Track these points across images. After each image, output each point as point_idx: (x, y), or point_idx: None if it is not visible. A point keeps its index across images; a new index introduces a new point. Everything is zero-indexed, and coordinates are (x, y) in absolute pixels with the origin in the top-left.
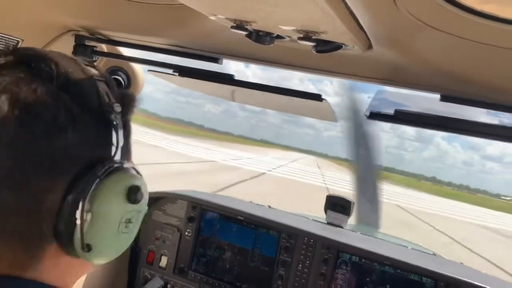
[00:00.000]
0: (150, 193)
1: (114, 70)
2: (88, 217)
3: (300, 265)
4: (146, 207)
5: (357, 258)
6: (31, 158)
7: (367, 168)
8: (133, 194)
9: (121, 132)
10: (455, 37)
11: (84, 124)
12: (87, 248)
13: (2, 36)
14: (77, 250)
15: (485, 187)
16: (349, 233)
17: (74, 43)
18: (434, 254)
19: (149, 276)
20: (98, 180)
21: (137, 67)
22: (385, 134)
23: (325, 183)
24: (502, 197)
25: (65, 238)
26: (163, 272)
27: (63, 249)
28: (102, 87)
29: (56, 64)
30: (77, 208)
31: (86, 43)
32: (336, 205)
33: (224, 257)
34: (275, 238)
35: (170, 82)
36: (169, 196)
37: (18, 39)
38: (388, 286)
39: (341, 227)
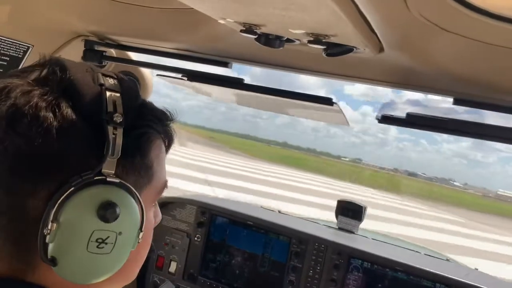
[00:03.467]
0: (159, 199)
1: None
2: (54, 228)
3: (311, 271)
4: (136, 231)
5: (369, 264)
6: (16, 159)
7: None
8: (104, 210)
9: (118, 144)
10: (469, 40)
11: (77, 132)
12: (52, 261)
13: (13, 42)
14: (47, 262)
15: (329, 150)
16: (360, 238)
17: (84, 48)
18: (447, 260)
19: (159, 282)
20: (71, 189)
21: (146, 72)
22: None
23: None
24: (342, 158)
25: (39, 247)
26: (172, 277)
27: (42, 259)
28: (111, 96)
29: (62, 69)
30: (45, 217)
31: (96, 48)
32: (347, 210)
33: (233, 262)
34: (285, 244)
35: (179, 86)
36: (178, 201)
37: (28, 45)
38: None
39: (353, 232)
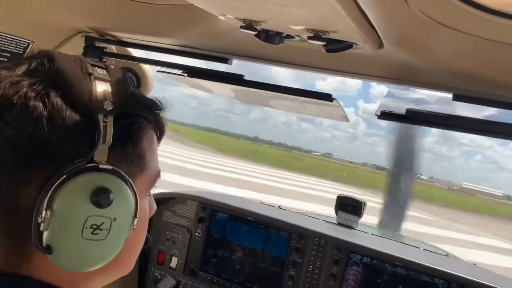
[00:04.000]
0: (160, 194)
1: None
2: (47, 216)
3: (311, 266)
4: (130, 217)
5: (369, 259)
6: (6, 149)
7: (405, 177)
8: (97, 196)
9: (109, 132)
10: (468, 36)
11: (65, 120)
12: (48, 249)
13: (13, 38)
14: (42, 251)
15: (300, 145)
16: (360, 233)
17: (84, 45)
18: (446, 255)
19: (160, 277)
20: (64, 177)
21: (147, 68)
22: (216, 98)
23: None
24: (313, 153)
25: (34, 236)
26: (173, 272)
27: (37, 248)
28: (100, 85)
29: (50, 60)
30: (39, 206)
31: (96, 45)
32: (347, 205)
33: (234, 257)
34: (285, 239)
35: (179, 82)
36: (179, 197)
37: (29, 41)
38: (400, 287)
39: (352, 227)
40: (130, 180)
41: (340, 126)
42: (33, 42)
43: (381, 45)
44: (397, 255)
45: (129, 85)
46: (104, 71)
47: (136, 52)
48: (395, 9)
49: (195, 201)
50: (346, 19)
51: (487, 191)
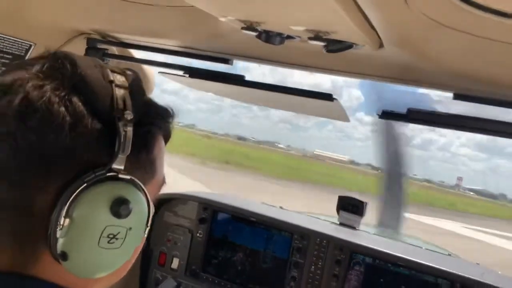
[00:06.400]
0: (161, 194)
1: None
2: (66, 223)
3: (313, 266)
4: (143, 226)
5: (371, 259)
6: (26, 154)
7: (396, 176)
8: (117, 206)
9: (128, 141)
10: (468, 35)
11: (87, 128)
12: (63, 256)
13: (15, 40)
14: (56, 257)
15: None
16: (362, 233)
17: (86, 46)
18: (449, 255)
19: (161, 278)
20: (84, 185)
21: (148, 69)
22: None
23: None
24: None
25: (49, 242)
26: (175, 273)
27: (50, 253)
28: (121, 93)
29: (73, 64)
30: (58, 213)
31: (98, 46)
32: (349, 205)
33: (236, 258)
34: (287, 239)
35: (180, 83)
36: (180, 198)
37: (30, 43)
38: (402, 287)
39: (354, 227)
40: (145, 189)
41: (205, 98)
42: (35, 44)
43: (381, 45)
44: (400, 255)
45: (145, 92)
46: (123, 78)
47: (137, 54)
48: (395, 9)
49: (196, 201)
50: (346, 19)
51: (335, 157)
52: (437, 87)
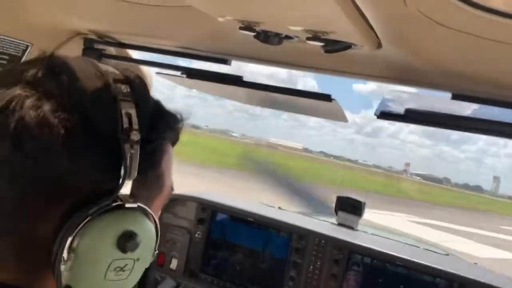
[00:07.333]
0: None
1: None
2: (70, 257)
3: (311, 267)
4: (151, 253)
5: (369, 259)
6: (23, 181)
7: None
8: (124, 241)
9: (135, 165)
10: (466, 35)
11: (88, 151)
12: None
13: (12, 41)
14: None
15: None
16: (360, 234)
17: (83, 47)
18: (447, 255)
19: (159, 278)
20: (88, 218)
21: (146, 70)
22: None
23: None
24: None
25: (54, 273)
26: (173, 274)
27: (56, 282)
28: (126, 109)
29: (73, 79)
30: (61, 245)
31: (95, 47)
32: (347, 205)
33: (234, 259)
34: (286, 240)
35: (179, 84)
36: (178, 198)
37: (27, 43)
38: (401, 287)
39: (352, 228)
40: (153, 214)
41: (159, 88)
42: (32, 44)
43: (379, 45)
44: (398, 255)
45: (151, 99)
46: (128, 88)
47: (135, 54)
48: (393, 9)
49: (195, 202)
50: (344, 19)
51: (289, 145)
52: (436, 87)
